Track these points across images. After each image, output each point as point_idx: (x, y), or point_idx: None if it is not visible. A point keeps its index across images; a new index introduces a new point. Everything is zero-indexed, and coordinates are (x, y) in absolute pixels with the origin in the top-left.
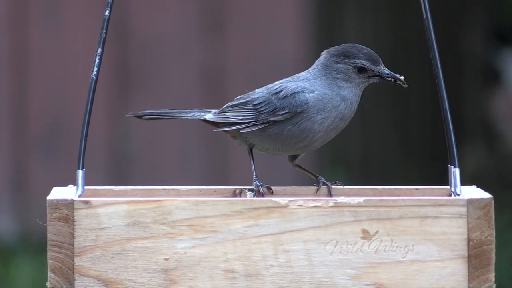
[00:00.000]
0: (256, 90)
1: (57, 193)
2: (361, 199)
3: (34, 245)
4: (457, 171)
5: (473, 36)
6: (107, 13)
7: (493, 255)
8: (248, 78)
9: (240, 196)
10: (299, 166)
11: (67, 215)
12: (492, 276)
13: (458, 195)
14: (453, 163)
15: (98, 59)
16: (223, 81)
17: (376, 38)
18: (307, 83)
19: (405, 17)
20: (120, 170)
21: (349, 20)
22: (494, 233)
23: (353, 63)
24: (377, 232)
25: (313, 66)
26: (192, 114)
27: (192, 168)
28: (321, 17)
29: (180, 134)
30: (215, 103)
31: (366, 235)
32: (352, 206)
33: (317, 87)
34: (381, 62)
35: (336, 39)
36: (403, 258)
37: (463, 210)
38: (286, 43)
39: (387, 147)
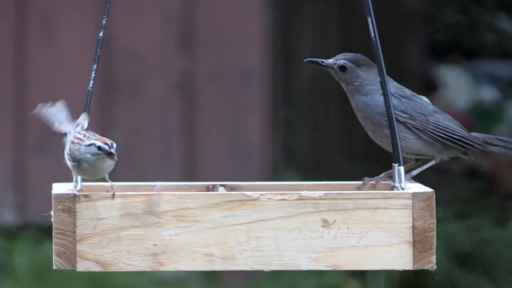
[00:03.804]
0: None
1: (59, 188)
2: (321, 193)
3: (33, 234)
4: (401, 169)
5: (412, 53)
6: (101, 34)
7: (435, 241)
8: (218, 92)
9: (212, 191)
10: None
11: (70, 207)
12: (433, 258)
13: (403, 189)
14: (397, 162)
15: (94, 73)
16: (196, 94)
17: (327, 54)
18: None
19: (352, 36)
20: None
21: (305, 39)
22: (435, 222)
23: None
24: (335, 221)
25: None
26: None
27: (171, 168)
28: (279, 37)
29: (160, 138)
30: (190, 113)
31: (326, 223)
32: (314, 199)
33: None
34: None
35: (293, 57)
36: (357, 243)
37: (409, 202)
38: (251, 60)
39: (335, 152)
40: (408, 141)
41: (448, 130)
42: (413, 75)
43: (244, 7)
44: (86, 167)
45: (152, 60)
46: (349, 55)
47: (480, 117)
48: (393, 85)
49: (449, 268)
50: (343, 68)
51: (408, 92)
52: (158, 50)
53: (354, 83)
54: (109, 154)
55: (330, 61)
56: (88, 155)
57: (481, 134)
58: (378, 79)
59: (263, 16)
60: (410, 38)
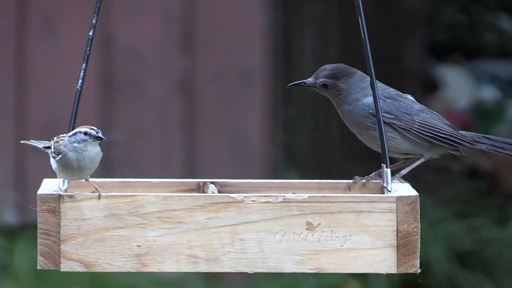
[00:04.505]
0: None
1: (47, 186)
2: (306, 195)
3: (33, 234)
4: (388, 171)
5: (413, 53)
6: (91, 33)
7: (419, 245)
8: (218, 91)
9: (203, 188)
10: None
11: (54, 208)
12: (417, 262)
13: (390, 191)
14: (385, 163)
15: (83, 72)
16: (196, 94)
17: (327, 56)
18: None
19: (352, 36)
20: (105, 169)
21: (305, 38)
22: (419, 226)
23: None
24: (319, 224)
25: None
26: None
27: (171, 168)
28: (279, 36)
29: (160, 137)
30: (190, 113)
31: (310, 226)
32: (298, 201)
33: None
34: None
35: (294, 57)
36: (342, 246)
37: (393, 205)
38: (252, 59)
39: (335, 152)
40: (395, 141)
41: (434, 129)
42: (413, 75)
43: (244, 7)
44: (72, 158)
45: (152, 60)
46: (327, 70)
47: (480, 116)
48: (384, 87)
49: (450, 267)
50: (324, 86)
51: (393, 92)
52: (159, 50)
53: (338, 96)
54: (97, 138)
55: (311, 80)
56: (75, 144)
57: (469, 132)
58: (360, 85)
59: (263, 16)
60: (411, 38)
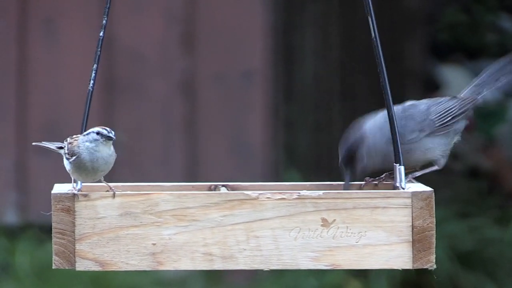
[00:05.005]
0: None
1: (59, 188)
2: (320, 192)
3: (34, 235)
4: (402, 168)
5: (414, 53)
6: (101, 34)
7: (434, 240)
8: (219, 91)
9: (215, 191)
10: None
11: (69, 207)
12: (433, 257)
13: (403, 188)
14: (398, 162)
15: (94, 73)
16: (197, 94)
17: (328, 56)
18: None
19: (353, 36)
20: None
21: (306, 38)
22: (434, 221)
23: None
24: (334, 220)
25: None
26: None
27: (172, 168)
28: (280, 36)
29: (162, 137)
30: (191, 113)
31: (325, 223)
32: (313, 198)
33: None
34: None
35: (295, 57)
36: (357, 242)
37: (408, 201)
38: (253, 59)
39: (336, 152)
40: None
41: (448, 112)
42: (414, 75)
43: (245, 7)
44: (86, 159)
45: (154, 60)
46: (341, 157)
47: (481, 117)
48: (381, 115)
49: (451, 267)
50: (351, 163)
51: (398, 110)
52: (160, 50)
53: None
54: (108, 138)
55: (348, 173)
56: (87, 143)
57: (465, 93)
58: (375, 135)
59: (264, 16)
60: (412, 37)
